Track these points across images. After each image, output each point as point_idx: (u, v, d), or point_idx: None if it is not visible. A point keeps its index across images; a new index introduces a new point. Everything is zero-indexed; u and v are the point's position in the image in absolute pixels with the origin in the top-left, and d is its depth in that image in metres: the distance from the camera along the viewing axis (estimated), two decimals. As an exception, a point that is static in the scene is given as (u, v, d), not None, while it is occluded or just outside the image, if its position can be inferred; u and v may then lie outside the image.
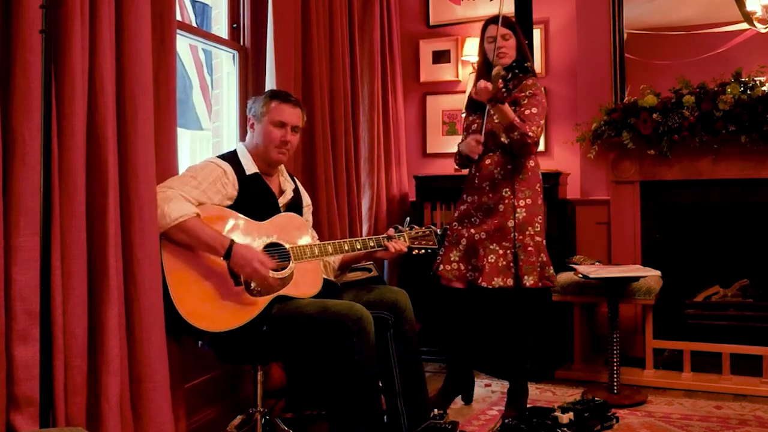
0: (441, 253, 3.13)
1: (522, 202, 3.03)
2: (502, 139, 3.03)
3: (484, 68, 3.16)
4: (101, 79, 2.07)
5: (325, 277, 2.65)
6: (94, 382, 2.04)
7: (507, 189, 3.03)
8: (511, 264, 2.99)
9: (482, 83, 2.86)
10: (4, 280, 1.82)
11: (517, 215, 3.01)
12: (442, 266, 3.11)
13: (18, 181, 1.84)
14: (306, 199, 2.75)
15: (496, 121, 2.99)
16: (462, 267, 3.09)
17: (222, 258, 2.27)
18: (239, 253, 2.28)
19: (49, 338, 1.83)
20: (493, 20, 3.10)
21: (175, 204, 2.24)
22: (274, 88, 3.04)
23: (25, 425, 1.81)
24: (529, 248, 3.00)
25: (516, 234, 3.00)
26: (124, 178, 2.16)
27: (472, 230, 3.07)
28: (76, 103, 1.97)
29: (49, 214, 1.79)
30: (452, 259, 3.10)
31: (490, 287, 2.95)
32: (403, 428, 2.56)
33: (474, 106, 3.18)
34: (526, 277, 2.97)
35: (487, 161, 3.06)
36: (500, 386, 3.52)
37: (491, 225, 3.03)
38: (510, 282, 2.97)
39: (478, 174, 3.09)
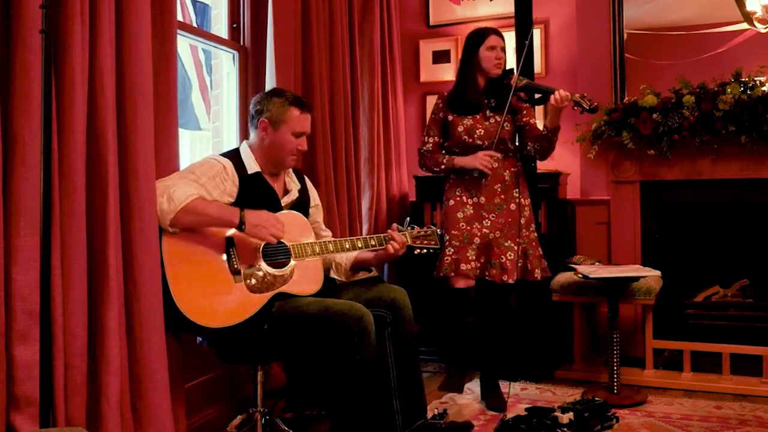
0: (450, 254, 3.17)
1: (526, 201, 3.28)
2: (510, 145, 3.25)
3: (474, 75, 3.21)
4: (101, 79, 2.07)
5: (337, 277, 2.66)
6: (94, 382, 2.05)
7: (516, 189, 3.25)
8: (521, 259, 3.19)
9: (564, 92, 2.96)
10: (4, 280, 1.82)
11: (524, 213, 3.24)
12: (464, 265, 3.15)
13: (18, 181, 1.84)
14: (314, 199, 2.75)
15: (546, 124, 3.11)
16: (478, 264, 3.20)
17: (236, 228, 2.30)
18: (254, 215, 2.32)
19: (49, 338, 1.83)
20: (494, 30, 3.23)
21: (178, 188, 2.26)
22: (275, 87, 3.02)
23: (25, 425, 1.82)
24: (533, 243, 3.26)
25: (524, 230, 3.22)
26: (124, 178, 2.16)
27: (485, 230, 3.21)
28: (76, 103, 1.97)
29: (49, 214, 1.79)
30: (470, 258, 3.17)
31: (512, 282, 3.14)
32: (397, 427, 2.55)
33: (466, 107, 3.21)
34: (537, 270, 3.23)
35: (495, 164, 3.19)
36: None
37: (505, 224, 3.20)
38: (518, 276, 3.18)
39: (486, 176, 3.20)
